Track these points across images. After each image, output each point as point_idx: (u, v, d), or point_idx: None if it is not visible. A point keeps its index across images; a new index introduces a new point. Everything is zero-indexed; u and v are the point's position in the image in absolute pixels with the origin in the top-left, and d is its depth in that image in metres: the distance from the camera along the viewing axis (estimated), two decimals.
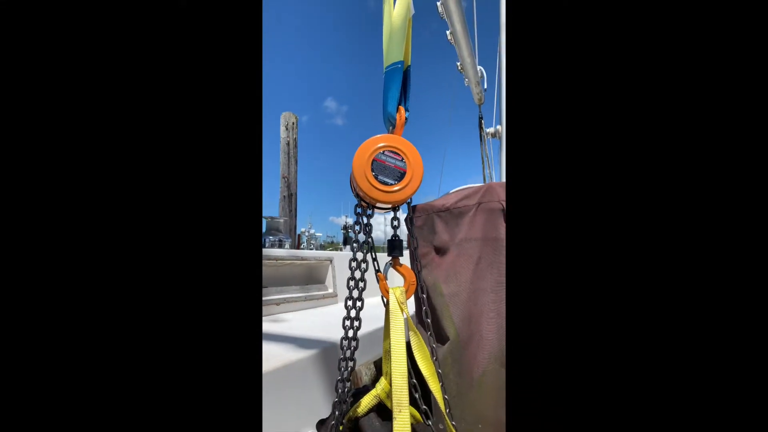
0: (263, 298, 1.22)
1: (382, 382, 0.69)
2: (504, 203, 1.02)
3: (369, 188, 0.67)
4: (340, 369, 0.64)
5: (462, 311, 0.99)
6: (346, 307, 0.65)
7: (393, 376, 0.61)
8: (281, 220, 1.63)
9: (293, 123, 3.56)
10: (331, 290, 1.54)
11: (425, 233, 1.07)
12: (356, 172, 0.66)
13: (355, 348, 0.65)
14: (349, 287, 0.66)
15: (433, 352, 0.73)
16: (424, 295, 0.80)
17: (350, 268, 0.67)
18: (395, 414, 0.58)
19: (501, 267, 0.98)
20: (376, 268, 0.73)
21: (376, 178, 0.67)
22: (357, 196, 0.71)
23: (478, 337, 0.96)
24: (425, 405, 0.68)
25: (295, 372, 0.90)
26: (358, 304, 0.65)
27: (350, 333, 0.65)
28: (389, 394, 0.69)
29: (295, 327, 1.10)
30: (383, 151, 0.68)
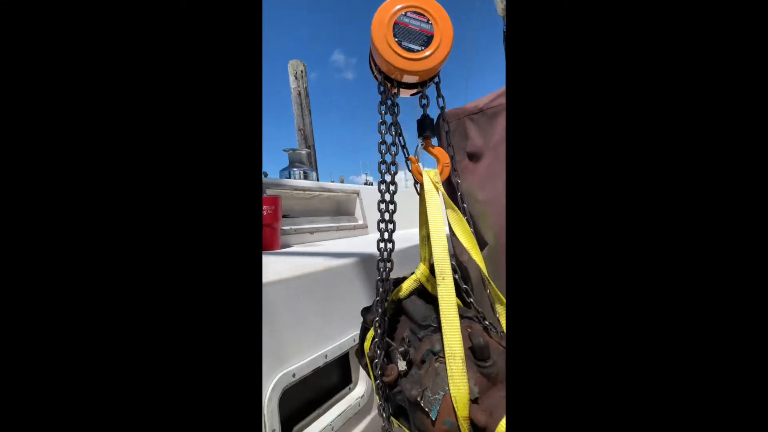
0: (295, 228, 1.21)
1: (421, 267, 0.66)
2: None
3: (392, 56, 0.59)
4: (378, 270, 0.60)
5: (501, 217, 0.93)
6: (380, 192, 0.60)
7: (434, 248, 0.57)
8: (303, 152, 1.59)
9: (302, 71, 3.43)
10: (361, 221, 1.51)
11: (457, 139, 0.99)
12: (376, 39, 0.59)
13: (392, 250, 0.61)
14: (380, 171, 0.61)
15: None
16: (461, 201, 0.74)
17: (380, 151, 0.61)
18: (439, 281, 0.55)
19: None
20: (406, 154, 0.68)
21: (400, 44, 0.60)
22: (380, 73, 0.64)
23: None
24: (465, 285, 0.65)
25: (338, 275, 0.89)
26: (391, 188, 0.60)
27: (386, 235, 0.61)
28: (429, 278, 0.66)
29: (332, 248, 1.09)
30: (405, 12, 0.60)
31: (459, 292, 0.65)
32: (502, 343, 0.56)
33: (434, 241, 0.58)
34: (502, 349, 0.54)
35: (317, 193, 1.42)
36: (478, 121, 1.00)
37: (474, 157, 0.99)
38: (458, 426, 0.46)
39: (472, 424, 0.46)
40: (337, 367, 0.88)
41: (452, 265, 0.65)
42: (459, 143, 0.98)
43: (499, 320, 0.60)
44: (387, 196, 0.61)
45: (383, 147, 0.62)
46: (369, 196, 1.60)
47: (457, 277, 0.66)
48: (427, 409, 0.50)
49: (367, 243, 1.18)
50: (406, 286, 0.66)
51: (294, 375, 0.72)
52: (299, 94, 3.54)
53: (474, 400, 0.47)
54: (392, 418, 0.62)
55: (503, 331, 0.57)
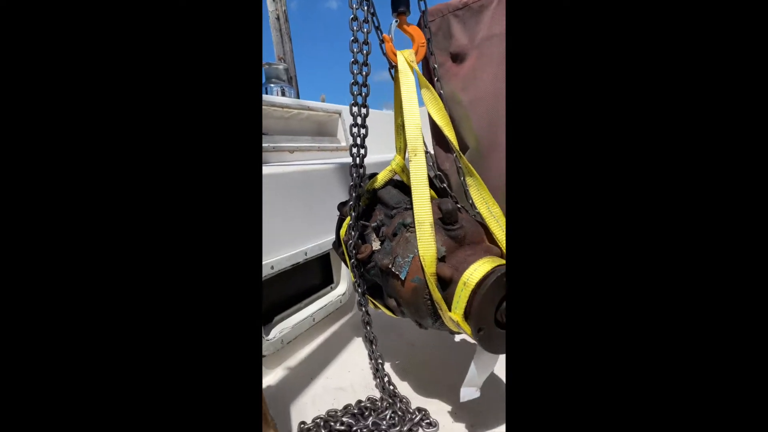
0: (273, 145, 1.18)
1: (397, 158, 0.65)
2: None
3: None
4: (352, 155, 0.59)
5: (483, 119, 0.91)
6: (352, 74, 0.57)
7: (407, 127, 0.56)
8: (280, 67, 1.50)
9: None
10: (343, 143, 1.48)
11: (440, 40, 0.93)
12: None
13: (365, 135, 0.59)
14: (352, 51, 0.57)
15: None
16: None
17: (352, 29, 0.57)
18: (411, 157, 0.54)
19: None
20: (379, 35, 0.63)
21: None
22: None
23: (500, 144, 0.89)
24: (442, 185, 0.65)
25: (317, 179, 0.90)
26: (364, 69, 0.57)
27: (359, 120, 0.59)
28: (404, 169, 0.66)
29: (312, 162, 1.07)
30: None
31: (432, 183, 0.65)
32: (470, 215, 0.58)
33: (408, 120, 0.57)
34: (470, 218, 0.56)
35: (296, 111, 1.36)
36: (463, 17, 0.93)
37: (458, 57, 0.94)
38: (426, 282, 0.49)
39: (439, 279, 0.48)
40: (318, 267, 0.91)
41: (427, 151, 0.64)
42: (442, 44, 0.93)
43: (473, 205, 0.61)
44: (360, 78, 0.58)
45: (355, 25, 0.57)
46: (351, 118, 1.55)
47: (432, 164, 0.66)
48: (397, 272, 0.52)
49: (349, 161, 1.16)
50: (382, 177, 0.66)
51: (272, 267, 0.74)
52: (278, 18, 3.26)
53: (441, 259, 0.49)
54: (368, 297, 0.65)
55: (478, 213, 0.58)
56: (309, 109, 1.40)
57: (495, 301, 0.43)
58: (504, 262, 0.47)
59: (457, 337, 0.81)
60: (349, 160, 0.62)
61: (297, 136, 1.36)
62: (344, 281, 0.94)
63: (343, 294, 0.92)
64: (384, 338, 0.72)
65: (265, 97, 1.28)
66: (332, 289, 0.93)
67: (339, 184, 0.98)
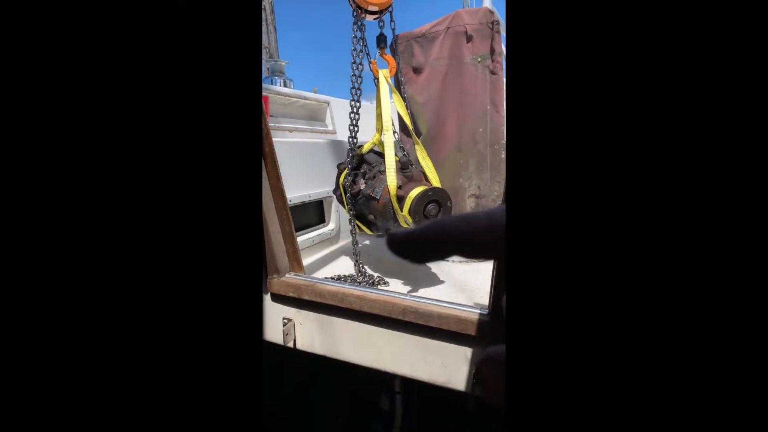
0: (277, 125, 1.56)
1: (376, 135, 1.07)
2: (468, 27, 1.30)
3: None
4: (350, 130, 1.00)
5: (432, 115, 1.35)
6: (352, 68, 0.98)
7: (383, 116, 0.98)
8: (283, 63, 1.86)
9: None
10: (331, 127, 1.87)
11: (405, 57, 1.36)
12: None
13: (358, 118, 1.00)
14: (352, 68, 0.98)
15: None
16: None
17: (352, 56, 0.98)
18: (385, 134, 0.97)
19: (461, 80, 1.31)
20: (368, 58, 1.05)
21: None
22: (354, 2, 0.98)
23: (443, 133, 1.34)
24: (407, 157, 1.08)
25: (313, 149, 1.29)
26: (359, 68, 0.98)
27: (355, 108, 0.99)
28: (380, 142, 1.08)
29: (308, 139, 1.46)
30: None
31: (397, 151, 1.07)
32: (417, 168, 1.01)
33: (383, 112, 0.99)
34: (416, 169, 1.00)
35: (294, 99, 1.73)
36: (421, 43, 1.37)
37: (417, 70, 1.38)
38: (390, 200, 0.92)
39: (398, 197, 0.91)
40: (315, 211, 1.32)
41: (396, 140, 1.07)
42: (407, 59, 1.36)
43: (418, 162, 1.04)
44: (356, 85, 0.99)
45: (354, 53, 0.98)
46: (337, 108, 1.94)
47: (397, 141, 1.09)
48: (375, 195, 0.95)
49: (337, 140, 1.56)
50: (366, 146, 1.08)
51: (290, 200, 1.14)
52: (264, 9, 3.53)
53: (399, 188, 0.92)
54: (355, 220, 1.07)
55: (421, 166, 1.02)
56: (304, 98, 1.78)
57: (422, 204, 0.87)
58: (427, 186, 0.91)
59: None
60: (336, 138, 1.04)
61: (294, 119, 1.74)
62: (333, 221, 1.36)
63: (332, 229, 1.34)
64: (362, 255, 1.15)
65: (270, 87, 1.65)
66: (325, 225, 1.35)
67: (329, 156, 1.38)
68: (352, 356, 0.77)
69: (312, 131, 1.77)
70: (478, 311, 0.65)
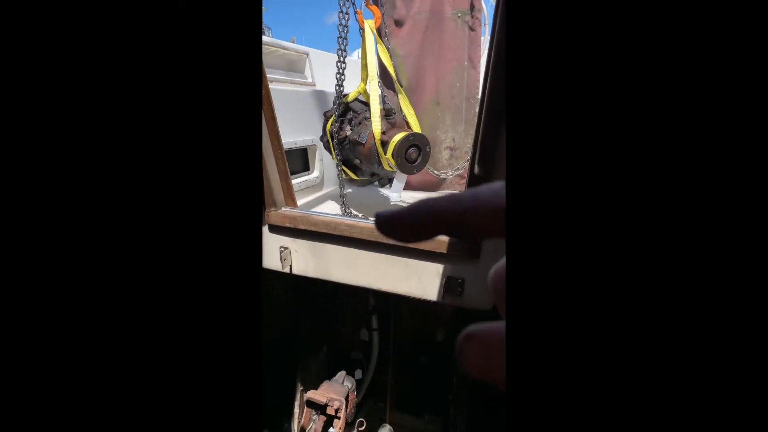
0: None
1: (361, 84, 1.13)
2: None
3: None
4: (337, 78, 1.05)
5: (412, 68, 1.42)
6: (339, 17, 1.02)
7: (368, 65, 1.04)
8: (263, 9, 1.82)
9: None
10: (310, 80, 1.88)
11: (388, 8, 1.39)
12: None
13: (345, 67, 1.06)
14: (339, 17, 1.02)
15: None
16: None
17: (339, 6, 1.01)
18: (369, 82, 1.04)
19: (441, 35, 1.37)
20: (354, 8, 1.08)
21: None
22: None
23: (422, 86, 1.41)
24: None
25: (296, 97, 1.34)
26: (346, 17, 1.02)
27: (342, 68, 1.04)
28: (365, 91, 1.15)
29: (290, 88, 1.49)
30: None
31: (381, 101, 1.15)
32: (399, 115, 1.10)
33: (369, 62, 1.05)
34: (399, 116, 1.08)
35: (273, 49, 1.72)
36: None
37: (398, 23, 1.42)
38: (375, 144, 1.01)
39: (381, 142, 1.00)
40: (300, 158, 1.38)
41: (380, 83, 1.13)
42: (389, 12, 1.39)
43: (401, 110, 1.13)
44: (343, 20, 1.03)
45: (341, 2, 1.02)
46: (317, 59, 1.94)
47: (380, 86, 1.16)
48: (361, 140, 1.03)
49: (318, 90, 1.59)
50: (352, 95, 1.14)
51: None
52: None
53: (383, 133, 1.01)
54: (342, 166, 1.15)
55: (403, 114, 1.10)
56: (283, 48, 1.76)
57: (404, 148, 0.97)
58: (409, 132, 1.01)
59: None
60: (317, 89, 1.09)
61: (273, 69, 1.74)
62: (317, 169, 1.44)
63: (317, 177, 1.42)
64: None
65: None
66: (310, 173, 1.42)
67: (312, 105, 1.43)
68: (341, 277, 0.89)
69: (291, 83, 1.78)
70: None
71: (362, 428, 1.14)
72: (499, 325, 0.12)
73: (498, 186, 0.13)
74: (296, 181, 1.32)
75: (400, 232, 0.14)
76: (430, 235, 0.14)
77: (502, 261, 0.14)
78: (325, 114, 1.17)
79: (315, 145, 1.39)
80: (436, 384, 1.57)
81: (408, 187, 1.38)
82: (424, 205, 0.13)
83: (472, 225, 0.13)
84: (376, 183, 1.49)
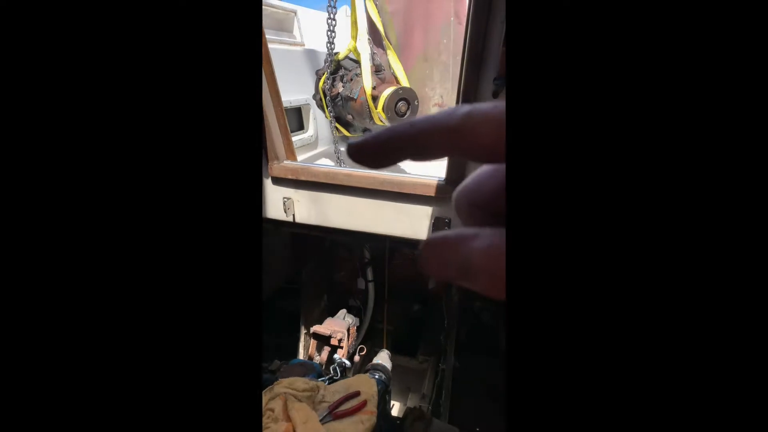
0: None
1: (351, 42, 1.17)
2: None
3: None
4: (327, 35, 1.09)
5: (400, 24, 1.44)
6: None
7: (358, 21, 1.08)
8: None
9: None
10: (299, 39, 1.88)
11: None
12: None
13: (335, 24, 1.09)
14: None
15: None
16: None
17: None
18: (360, 39, 1.08)
19: None
20: None
21: None
22: None
23: (411, 42, 1.45)
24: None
25: (287, 57, 1.37)
26: None
27: (333, 26, 1.08)
28: (355, 49, 1.19)
29: (279, 47, 1.51)
30: None
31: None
32: (389, 70, 1.16)
33: (358, 18, 1.09)
34: (389, 71, 1.14)
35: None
36: None
37: None
38: (366, 99, 1.07)
39: (372, 97, 1.07)
40: (295, 117, 1.44)
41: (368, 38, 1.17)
42: None
43: (390, 66, 1.18)
44: None
45: None
46: (305, 18, 1.93)
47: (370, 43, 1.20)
48: (353, 96, 1.10)
49: (309, 49, 1.61)
50: (342, 54, 1.19)
51: None
52: None
53: (373, 88, 1.08)
54: (335, 123, 1.22)
55: (392, 70, 1.16)
56: (270, 6, 1.75)
57: (394, 101, 1.04)
58: (398, 86, 1.07)
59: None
60: (308, 49, 1.13)
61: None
62: (312, 128, 1.50)
63: (311, 135, 1.48)
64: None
65: None
66: (304, 132, 1.48)
67: (304, 64, 1.46)
68: (341, 223, 0.99)
69: (280, 42, 1.78)
70: (437, 179, 0.87)
71: (363, 353, 1.29)
72: (454, 231, 0.13)
73: (451, 108, 0.13)
74: (294, 138, 1.39)
75: (366, 157, 0.14)
76: (393, 158, 0.14)
77: (464, 182, 0.15)
78: (316, 72, 1.22)
79: (309, 104, 1.44)
80: (428, 328, 1.73)
81: None
82: (387, 131, 0.14)
83: (426, 145, 0.13)
84: None
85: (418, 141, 0.13)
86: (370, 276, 1.70)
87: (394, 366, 1.73)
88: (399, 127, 0.14)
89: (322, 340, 1.18)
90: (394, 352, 1.79)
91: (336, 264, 1.71)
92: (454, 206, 0.16)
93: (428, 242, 0.13)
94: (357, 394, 0.79)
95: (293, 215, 1.02)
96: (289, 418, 0.68)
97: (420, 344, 1.73)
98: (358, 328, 1.60)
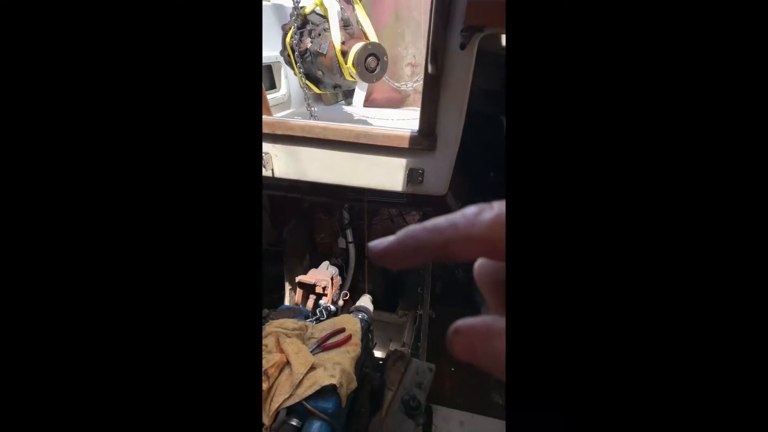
0: None
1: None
2: None
3: None
4: (294, 5, 1.06)
5: None
6: None
7: None
8: None
9: None
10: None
11: None
12: None
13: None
14: None
15: None
16: None
17: None
18: None
19: None
20: None
21: None
22: None
23: None
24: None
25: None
26: None
27: None
28: (323, 2, 1.17)
29: None
30: None
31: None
32: (357, 26, 1.16)
33: None
34: (357, 26, 1.14)
35: None
36: None
37: None
38: (336, 54, 1.08)
39: (342, 52, 1.07)
40: (265, 76, 1.42)
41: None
42: None
43: (359, 22, 1.18)
44: None
45: None
46: None
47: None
48: (322, 51, 1.10)
49: (275, 4, 1.56)
50: (309, 8, 1.17)
51: None
52: None
53: (343, 43, 1.08)
54: (305, 80, 1.22)
55: (360, 26, 1.16)
56: None
57: (363, 56, 1.05)
58: (367, 41, 1.08)
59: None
60: (273, 3, 1.10)
61: None
62: (284, 86, 1.48)
63: (284, 95, 1.47)
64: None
65: None
66: (277, 91, 1.47)
67: (271, 19, 1.42)
68: (319, 176, 1.02)
69: None
70: (410, 130, 0.92)
71: (347, 298, 1.38)
72: (480, 320, 0.13)
73: (470, 212, 0.14)
74: (268, 97, 1.37)
75: (389, 263, 0.15)
76: (419, 263, 0.15)
77: (480, 261, 0.16)
78: (283, 27, 1.20)
79: (279, 62, 1.41)
80: (407, 286, 1.82)
81: (374, 104, 1.46)
82: (410, 239, 0.14)
83: (454, 254, 0.14)
84: (342, 102, 1.56)
85: (445, 251, 0.14)
86: (350, 237, 1.75)
87: (375, 320, 1.83)
88: (422, 233, 0.14)
89: (308, 288, 1.24)
90: (376, 308, 1.89)
91: (316, 226, 1.75)
92: (476, 282, 0.16)
93: (457, 330, 0.13)
94: (343, 330, 0.86)
95: (272, 170, 1.04)
96: (282, 351, 0.75)
97: (399, 301, 1.83)
98: (341, 286, 1.68)
